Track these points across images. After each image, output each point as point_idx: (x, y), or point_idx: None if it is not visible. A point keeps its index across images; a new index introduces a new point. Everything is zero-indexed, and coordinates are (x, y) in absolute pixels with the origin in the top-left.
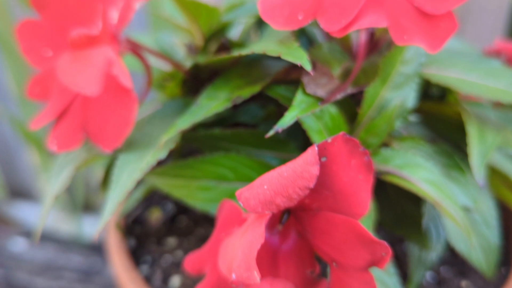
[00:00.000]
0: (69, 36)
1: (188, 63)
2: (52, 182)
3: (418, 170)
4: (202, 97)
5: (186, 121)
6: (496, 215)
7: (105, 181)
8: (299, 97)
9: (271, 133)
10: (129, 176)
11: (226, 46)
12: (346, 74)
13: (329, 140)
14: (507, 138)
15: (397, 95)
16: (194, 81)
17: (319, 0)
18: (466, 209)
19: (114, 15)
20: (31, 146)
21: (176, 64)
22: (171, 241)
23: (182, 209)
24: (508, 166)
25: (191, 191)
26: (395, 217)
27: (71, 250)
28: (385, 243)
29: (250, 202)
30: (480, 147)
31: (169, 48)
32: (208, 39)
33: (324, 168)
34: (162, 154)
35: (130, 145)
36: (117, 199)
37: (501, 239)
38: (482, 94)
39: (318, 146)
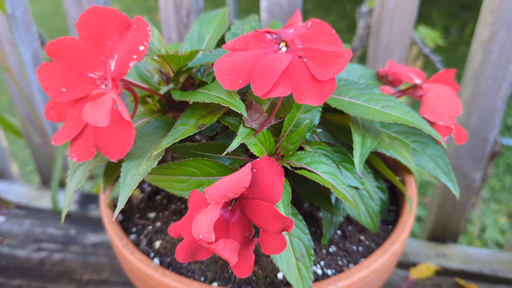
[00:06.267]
0: (89, 90)
1: (162, 87)
2: (70, 179)
3: (321, 165)
4: (177, 123)
5: (168, 141)
6: (377, 191)
7: (105, 174)
8: (240, 129)
9: (224, 153)
10: (132, 178)
11: (192, 77)
12: (272, 107)
13: (258, 159)
14: (382, 141)
15: (307, 116)
16: (168, 101)
17: (251, 72)
18: (356, 188)
19: (112, 66)
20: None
21: (154, 90)
22: (151, 215)
23: (156, 189)
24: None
25: (171, 183)
26: (312, 193)
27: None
28: (290, 218)
29: (212, 196)
30: (361, 151)
31: (146, 72)
32: (177, 73)
33: (254, 175)
34: (154, 163)
35: (129, 156)
36: (126, 194)
37: (394, 205)
38: (364, 115)
39: (251, 163)
